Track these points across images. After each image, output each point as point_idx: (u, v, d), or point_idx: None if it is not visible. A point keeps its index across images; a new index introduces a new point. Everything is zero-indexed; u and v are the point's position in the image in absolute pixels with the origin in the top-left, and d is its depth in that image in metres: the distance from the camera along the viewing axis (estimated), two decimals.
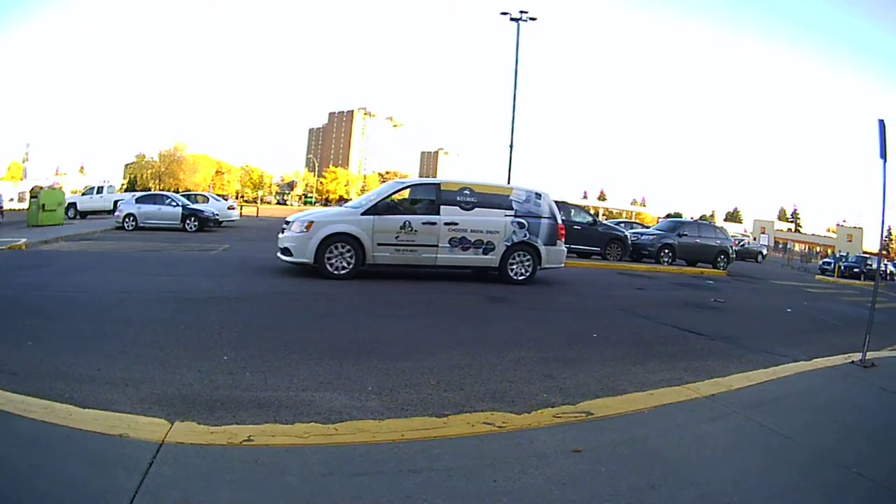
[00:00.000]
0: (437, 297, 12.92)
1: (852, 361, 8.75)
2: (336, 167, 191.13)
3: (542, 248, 15.66)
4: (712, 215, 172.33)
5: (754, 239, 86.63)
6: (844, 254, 61.72)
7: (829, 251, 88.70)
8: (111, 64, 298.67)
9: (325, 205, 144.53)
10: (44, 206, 28.68)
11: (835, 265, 46.53)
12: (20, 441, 4.11)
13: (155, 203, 31.15)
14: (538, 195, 16.02)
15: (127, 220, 29.71)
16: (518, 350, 8.33)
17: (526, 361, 7.75)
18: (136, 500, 3.35)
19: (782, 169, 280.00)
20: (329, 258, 13.67)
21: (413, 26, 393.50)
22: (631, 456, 4.57)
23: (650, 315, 12.69)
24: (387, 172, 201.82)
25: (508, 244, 15.24)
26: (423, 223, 14.37)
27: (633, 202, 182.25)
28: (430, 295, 13.25)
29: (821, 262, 56.61)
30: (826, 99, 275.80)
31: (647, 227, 36.57)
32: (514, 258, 15.47)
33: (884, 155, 9.18)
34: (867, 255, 55.54)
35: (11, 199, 52.93)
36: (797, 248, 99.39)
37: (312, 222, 13.87)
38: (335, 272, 13.64)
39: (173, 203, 31.22)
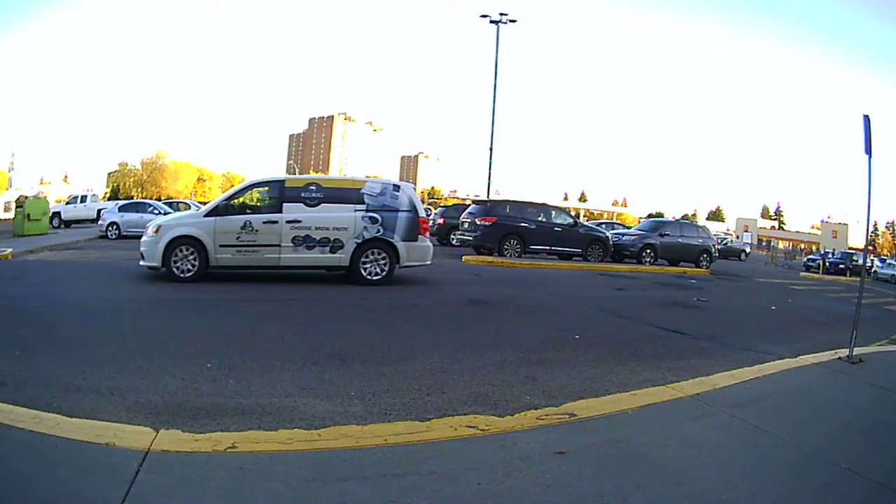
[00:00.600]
0: (420, 302, 12.91)
1: (839, 358, 8.80)
2: (317, 172, 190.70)
3: (400, 245, 14.75)
4: (694, 214, 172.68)
5: (737, 237, 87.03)
6: (830, 250, 62.04)
7: (814, 248, 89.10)
8: (93, 73, 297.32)
9: None
10: (29, 215, 28.56)
11: (821, 261, 46.72)
12: (9, 451, 4.11)
13: (138, 211, 31.31)
14: (396, 187, 15.46)
15: (110, 228, 29.91)
16: (500, 352, 8.35)
17: (508, 364, 7.77)
18: None
19: (765, 167, 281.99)
20: (175, 261, 13.44)
21: (393, 30, 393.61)
22: (615, 457, 4.59)
23: (632, 315, 12.76)
24: (367, 177, 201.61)
25: (359, 241, 14.43)
26: (264, 222, 13.88)
27: (615, 203, 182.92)
28: (410, 300, 13.24)
29: (805, 259, 56.86)
30: (808, 95, 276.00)
31: (629, 228, 36.64)
32: (367, 256, 14.61)
33: (869, 150, 9.24)
34: (852, 251, 55.87)
35: None
36: (781, 245, 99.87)
37: (160, 226, 13.75)
38: (181, 275, 13.39)
39: (156, 211, 31.18)
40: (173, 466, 4.01)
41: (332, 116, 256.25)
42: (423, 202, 15.73)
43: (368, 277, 14.56)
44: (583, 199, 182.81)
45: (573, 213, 36.79)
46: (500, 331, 10.28)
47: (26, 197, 36.11)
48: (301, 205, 14.13)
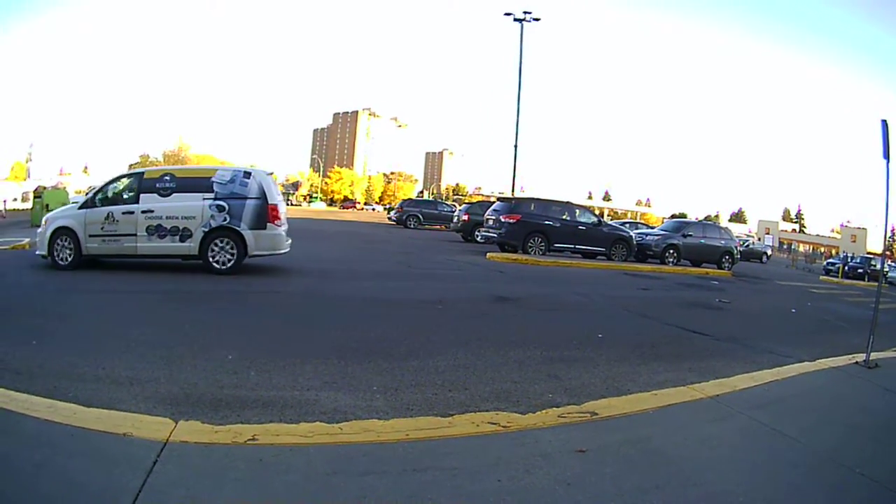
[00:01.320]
0: (444, 298, 12.84)
1: (856, 362, 8.77)
2: (341, 167, 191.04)
3: (248, 233, 14.26)
4: (717, 216, 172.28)
5: (759, 239, 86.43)
6: (850, 254, 61.54)
7: (834, 252, 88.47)
8: (115, 63, 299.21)
9: (330, 205, 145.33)
10: (48, 206, 28.68)
11: (841, 266, 46.28)
12: (23, 439, 4.14)
13: None
14: (247, 174, 14.99)
15: None
16: (523, 350, 8.31)
17: (531, 361, 7.75)
18: (139, 499, 3.35)
19: (787, 169, 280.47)
20: (56, 250, 13.74)
21: (418, 26, 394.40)
22: (635, 456, 4.58)
23: (655, 315, 12.71)
24: (391, 173, 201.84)
25: (206, 230, 14.12)
26: (123, 213, 13.98)
27: (638, 202, 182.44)
28: (434, 294, 13.24)
29: (825, 263, 56.41)
30: (830, 99, 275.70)
31: (652, 228, 36.45)
32: (215, 245, 14.24)
33: (887, 155, 9.18)
34: (871, 256, 55.42)
35: (15, 199, 53.19)
36: (801, 248, 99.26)
37: (47, 219, 14.23)
38: (61, 262, 13.67)
39: None
40: (192, 457, 4.03)
41: (357, 112, 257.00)
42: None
43: (217, 266, 14.23)
44: (607, 198, 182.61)
45: (597, 212, 36.63)
46: (524, 328, 10.24)
47: (45, 188, 36.37)
48: (155, 195, 14.19)
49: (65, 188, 40.59)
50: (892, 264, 54.77)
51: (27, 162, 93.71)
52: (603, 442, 4.81)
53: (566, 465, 4.29)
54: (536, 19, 38.90)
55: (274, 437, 4.43)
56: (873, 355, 8.86)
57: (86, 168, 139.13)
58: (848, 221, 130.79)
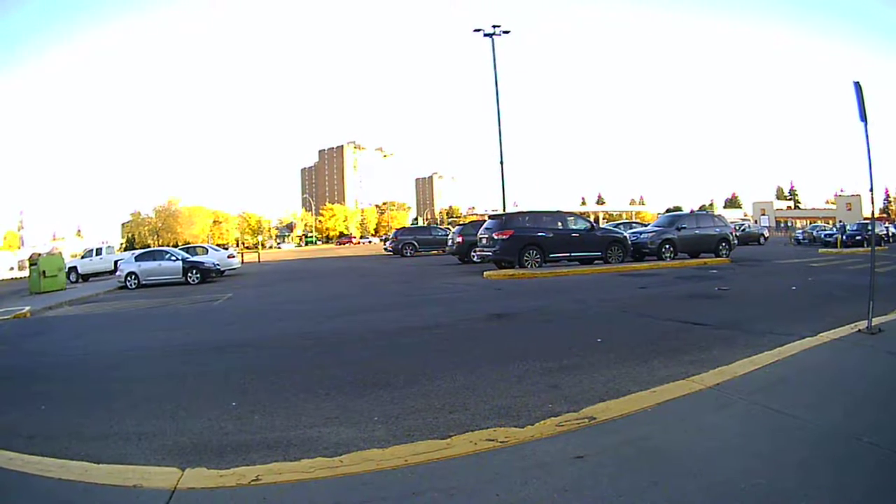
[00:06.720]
0: (441, 322, 12.91)
1: (858, 330, 8.79)
2: (333, 204, 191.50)
3: None
4: (711, 204, 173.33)
5: (755, 222, 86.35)
6: (844, 224, 61.21)
7: (830, 223, 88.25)
8: (99, 124, 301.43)
9: (326, 242, 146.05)
10: (44, 272, 29.02)
11: (839, 236, 45.83)
12: (38, 498, 4.31)
13: (155, 259, 31.44)
14: None
15: (129, 278, 30.12)
16: (522, 364, 8.31)
17: (530, 374, 7.76)
18: None
19: (776, 148, 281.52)
20: None
21: (395, 55, 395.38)
22: (633, 456, 4.61)
23: (654, 313, 12.70)
24: (383, 203, 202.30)
25: None
26: None
27: (632, 202, 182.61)
28: (432, 320, 13.27)
29: (822, 235, 56.09)
30: (811, 70, 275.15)
31: (646, 225, 36.42)
32: None
33: (863, 117, 9.23)
34: (867, 221, 55.15)
35: (12, 268, 53.39)
36: (798, 224, 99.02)
37: None
38: None
39: (173, 258, 31.45)
40: (198, 502, 4.14)
41: (342, 146, 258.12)
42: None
43: None
44: (600, 201, 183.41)
45: (591, 217, 36.66)
46: (523, 342, 10.22)
47: (39, 254, 36.57)
48: None
49: (60, 253, 40.65)
50: (889, 225, 54.72)
51: (19, 230, 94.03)
52: (601, 446, 4.84)
53: (563, 473, 4.33)
54: (506, 32, 38.81)
55: (277, 476, 4.50)
56: (876, 320, 8.93)
57: (79, 231, 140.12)
58: (841, 190, 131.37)
